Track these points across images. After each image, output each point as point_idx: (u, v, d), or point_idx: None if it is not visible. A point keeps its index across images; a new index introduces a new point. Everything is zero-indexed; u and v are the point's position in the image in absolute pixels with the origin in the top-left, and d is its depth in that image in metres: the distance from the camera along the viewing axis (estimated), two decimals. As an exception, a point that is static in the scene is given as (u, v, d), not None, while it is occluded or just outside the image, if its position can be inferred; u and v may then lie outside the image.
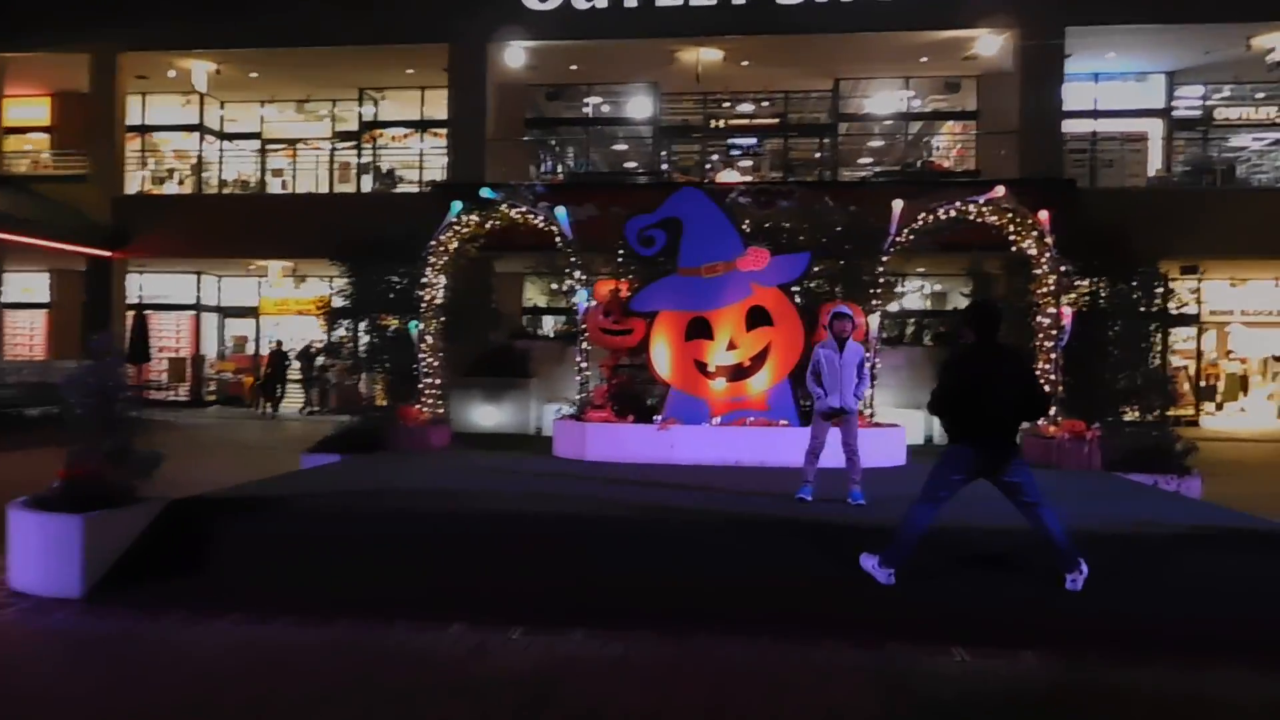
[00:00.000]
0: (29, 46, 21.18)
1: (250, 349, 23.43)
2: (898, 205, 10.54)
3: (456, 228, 11.10)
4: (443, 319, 11.40)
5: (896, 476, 9.30)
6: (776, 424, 10.04)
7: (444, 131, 22.12)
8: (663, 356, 10.34)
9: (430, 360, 11.25)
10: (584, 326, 10.77)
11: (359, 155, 23.03)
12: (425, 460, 10.20)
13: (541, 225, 11.01)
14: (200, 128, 23.15)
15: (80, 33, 20.72)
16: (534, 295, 23.49)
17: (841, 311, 7.50)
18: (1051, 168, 18.61)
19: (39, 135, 23.89)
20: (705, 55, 20.27)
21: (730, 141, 23.34)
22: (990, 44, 19.45)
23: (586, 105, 22.91)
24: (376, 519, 6.99)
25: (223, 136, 23.79)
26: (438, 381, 11.32)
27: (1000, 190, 10.39)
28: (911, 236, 10.49)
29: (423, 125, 22.91)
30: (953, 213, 10.49)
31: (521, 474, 9.21)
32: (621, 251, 11.01)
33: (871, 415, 10.31)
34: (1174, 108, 21.24)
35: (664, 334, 10.34)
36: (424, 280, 11.17)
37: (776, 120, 22.75)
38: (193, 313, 23.10)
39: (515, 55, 20.31)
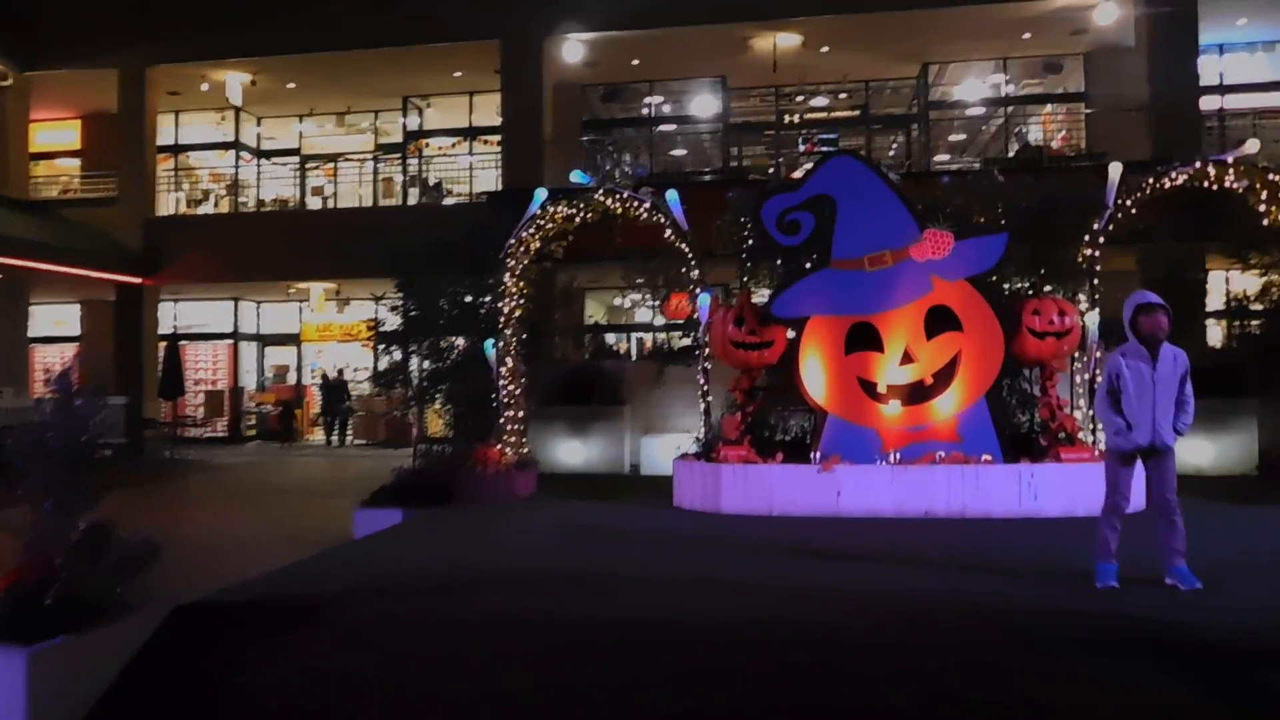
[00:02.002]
0: (54, 64, 19.23)
1: (292, 378, 21.21)
2: (1115, 169, 7.94)
3: (540, 222, 8.66)
4: (524, 336, 8.96)
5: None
6: (975, 460, 7.41)
7: (494, 139, 19.93)
8: (816, 375, 7.78)
9: (511, 387, 8.79)
10: (705, 339, 8.26)
11: (404, 168, 20.82)
12: (512, 519, 7.71)
13: (645, 216, 8.54)
14: (236, 145, 21.09)
15: (106, 48, 18.71)
16: (594, 311, 21.16)
17: (1151, 302, 4.88)
18: (1189, 149, 15.84)
19: (69, 161, 22.01)
20: (782, 41, 17.83)
21: (804, 135, 20.75)
22: (1108, 13, 16.76)
23: (646, 106, 20.56)
24: (470, 631, 4.48)
25: (260, 154, 21.72)
26: (520, 414, 8.85)
27: (1253, 145, 7.77)
28: (1134, 209, 7.86)
29: (471, 133, 20.66)
30: (1182, 177, 7.86)
31: (647, 539, 6.67)
32: (748, 242, 8.48)
33: (1094, 441, 7.63)
34: (1310, 78, 18.38)
35: (816, 346, 7.79)
36: (502, 288, 8.73)
37: (857, 112, 20.21)
38: (230, 341, 20.93)
39: (573, 50, 18.02)
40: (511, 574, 5.49)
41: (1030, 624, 4.39)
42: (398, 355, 11.75)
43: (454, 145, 21.05)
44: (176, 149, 21.15)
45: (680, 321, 18.49)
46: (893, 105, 19.99)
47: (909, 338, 7.64)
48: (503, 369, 8.76)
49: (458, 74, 19.27)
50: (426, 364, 11.11)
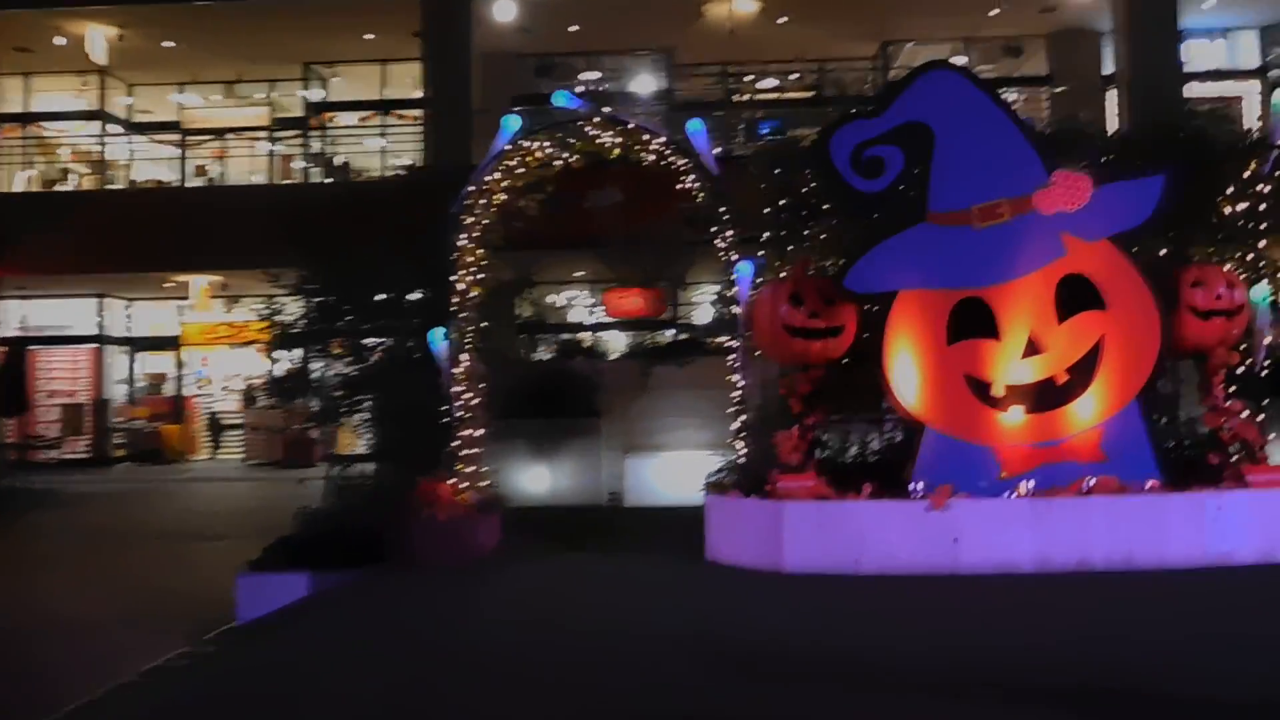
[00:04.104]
0: None
1: (171, 389, 17.62)
2: (1280, 98, 5.96)
3: (509, 163, 6.03)
4: (484, 324, 6.30)
5: None
6: (1134, 488, 5.21)
7: (413, 114, 17.04)
8: (908, 372, 5.43)
9: (467, 396, 6.10)
10: (745, 325, 5.80)
11: (305, 145, 17.62)
12: (482, 601, 5.03)
13: (654, 158, 6.03)
14: (102, 115, 17.41)
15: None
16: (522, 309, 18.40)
17: None
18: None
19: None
20: (739, 6, 15.66)
21: (746, 119, 18.56)
22: (1084, -13, 15.32)
23: (582, 83, 18.03)
24: None
25: (132, 127, 18.07)
26: (478, 433, 6.17)
27: None
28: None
29: (385, 106, 17.66)
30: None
31: (711, 644, 4.14)
32: (784, 201, 6.07)
33: (1264, 455, 5.53)
34: (1270, 66, 17.45)
35: (908, 331, 5.44)
36: (456, 254, 6.04)
37: (812, 93, 18.20)
38: (94, 346, 17.18)
39: (505, 9, 15.36)
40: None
41: None
42: (300, 357, 8.87)
43: (364, 121, 17.99)
44: (26, 117, 17.32)
45: (624, 319, 16.32)
46: (857, 84, 18.06)
47: (1034, 319, 5.39)
48: (458, 370, 6.07)
49: (369, 37, 16.27)
50: (339, 369, 8.27)
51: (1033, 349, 5.39)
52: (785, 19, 16.11)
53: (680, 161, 5.92)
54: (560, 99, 6.07)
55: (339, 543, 5.83)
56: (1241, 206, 5.87)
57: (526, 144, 5.95)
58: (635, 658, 3.88)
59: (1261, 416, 5.62)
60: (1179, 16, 15.32)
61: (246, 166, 17.93)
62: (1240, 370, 5.66)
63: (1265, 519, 5.13)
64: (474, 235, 6.05)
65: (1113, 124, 15.29)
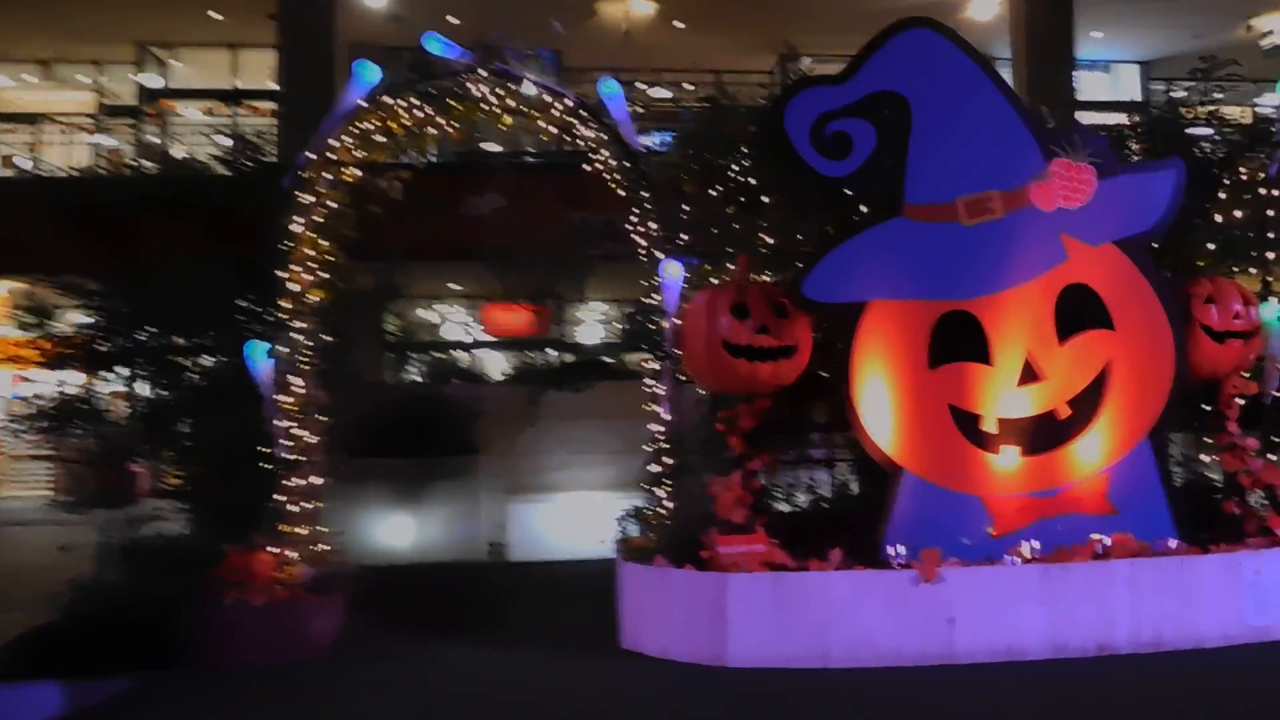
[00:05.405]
0: None
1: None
2: (1280, 90, 5.26)
3: (364, 125, 4.58)
4: (328, 338, 4.78)
5: None
6: (1156, 548, 4.24)
7: (268, 106, 15.10)
8: (880, 402, 4.30)
9: (299, 431, 4.54)
10: (673, 342, 4.55)
11: (138, 137, 15.32)
12: (303, 718, 3.53)
13: (557, 127, 4.74)
14: None
15: None
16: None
17: None
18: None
19: None
20: (636, 8, 14.71)
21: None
22: (984, 7, 15.27)
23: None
24: None
25: (-84, 108, 15.25)
26: (314, 479, 4.61)
27: None
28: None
29: (235, 96, 15.61)
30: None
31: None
32: (716, 188, 4.90)
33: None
34: (1152, 102, 17.99)
35: (880, 351, 4.32)
36: (292, 246, 4.51)
37: (708, 105, 17.38)
38: None
39: (374, -4, 13.81)
40: None
41: None
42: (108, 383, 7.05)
43: (211, 112, 15.84)
44: None
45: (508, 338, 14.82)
46: (753, 98, 17.44)
47: (1032, 339, 4.38)
48: (283, 397, 4.51)
49: (217, 17, 14.27)
50: (154, 391, 6.51)
51: (1030, 375, 4.38)
52: (682, 25, 15.29)
53: (590, 133, 4.63)
54: (433, 44, 4.70)
55: (111, 637, 4.18)
56: (1239, 214, 5.09)
57: (389, 102, 4.52)
58: None
59: (1276, 456, 4.81)
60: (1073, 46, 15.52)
61: (66, 158, 15.40)
62: (1244, 401, 4.85)
63: (1302, 582, 4.28)
64: (315, 220, 4.53)
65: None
